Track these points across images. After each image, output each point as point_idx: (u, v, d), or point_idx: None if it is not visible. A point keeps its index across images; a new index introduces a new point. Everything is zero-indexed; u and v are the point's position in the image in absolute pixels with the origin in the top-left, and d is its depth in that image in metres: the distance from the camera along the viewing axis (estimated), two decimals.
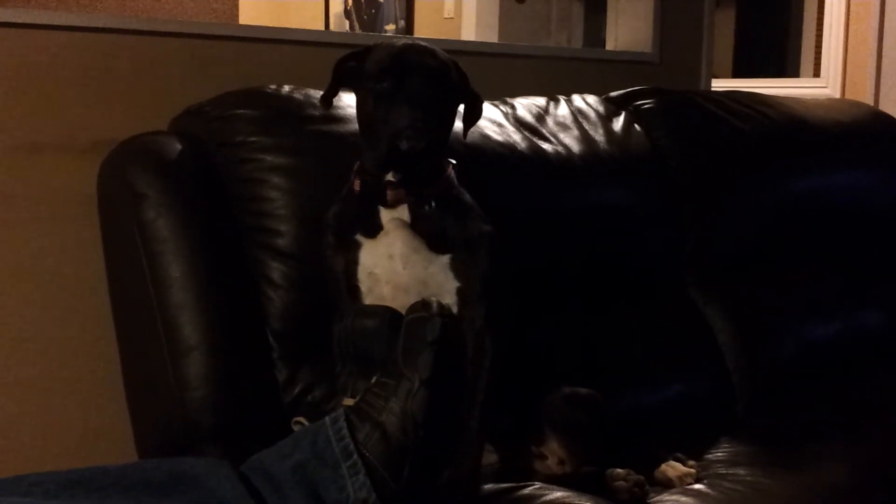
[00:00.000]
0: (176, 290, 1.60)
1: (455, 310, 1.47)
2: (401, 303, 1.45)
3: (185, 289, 1.60)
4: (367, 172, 1.51)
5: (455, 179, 1.56)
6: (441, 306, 1.39)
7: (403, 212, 1.49)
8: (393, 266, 1.48)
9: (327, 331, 1.53)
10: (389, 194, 1.49)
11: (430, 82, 1.45)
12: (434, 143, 1.46)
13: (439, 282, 1.48)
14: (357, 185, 1.52)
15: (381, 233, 1.49)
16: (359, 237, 1.50)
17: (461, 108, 1.60)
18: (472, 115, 1.62)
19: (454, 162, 1.57)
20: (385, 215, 1.50)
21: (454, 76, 1.51)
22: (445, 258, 1.49)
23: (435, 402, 1.32)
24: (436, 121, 1.46)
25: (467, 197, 1.55)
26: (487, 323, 1.48)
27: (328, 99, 1.58)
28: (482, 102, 1.62)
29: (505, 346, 1.49)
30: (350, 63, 1.54)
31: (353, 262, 1.50)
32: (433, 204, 1.50)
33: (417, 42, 1.52)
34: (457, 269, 1.48)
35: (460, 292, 1.48)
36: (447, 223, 1.50)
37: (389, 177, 1.48)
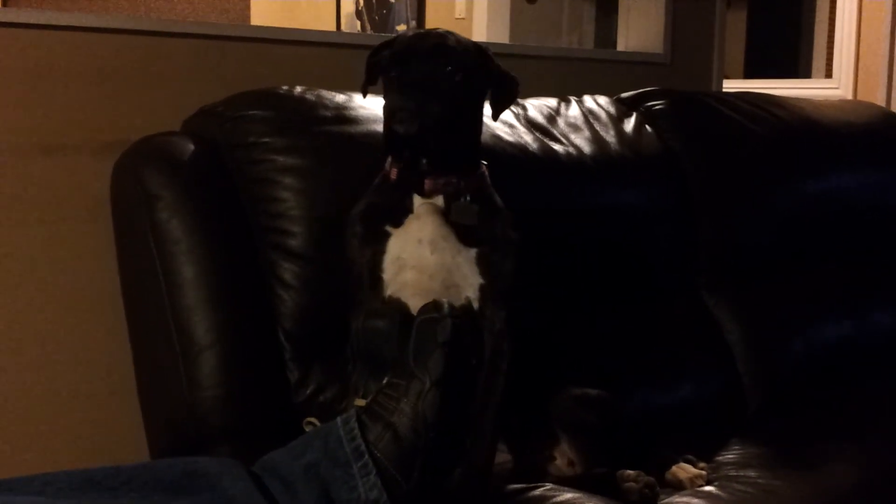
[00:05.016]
0: (188, 290, 1.61)
1: (476, 306, 1.48)
2: (424, 287, 1.45)
3: (198, 289, 1.61)
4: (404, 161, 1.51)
5: (489, 179, 1.56)
6: (452, 307, 1.40)
7: (438, 200, 1.50)
8: (421, 251, 1.47)
9: (343, 328, 1.53)
10: (427, 183, 1.49)
11: (430, 67, 1.45)
12: (436, 128, 1.43)
13: (464, 274, 1.48)
14: (394, 173, 1.52)
15: (412, 217, 1.49)
16: (388, 228, 1.50)
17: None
18: (501, 98, 1.59)
19: (486, 163, 1.58)
20: (418, 202, 1.50)
21: (469, 61, 1.49)
22: (473, 252, 1.49)
23: (446, 403, 1.32)
24: (435, 105, 1.43)
25: (499, 199, 1.56)
26: (506, 326, 1.48)
27: (364, 90, 1.61)
28: (516, 86, 1.59)
29: (520, 349, 1.50)
30: (379, 54, 1.54)
31: (380, 252, 1.49)
32: (468, 198, 1.51)
33: (436, 30, 1.52)
34: (482, 265, 1.49)
35: (483, 290, 1.48)
36: (478, 219, 1.50)
37: (425, 165, 1.48)
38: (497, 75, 1.56)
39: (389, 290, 1.49)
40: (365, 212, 1.53)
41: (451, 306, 1.39)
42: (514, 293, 1.51)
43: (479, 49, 1.54)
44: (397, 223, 1.50)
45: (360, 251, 1.51)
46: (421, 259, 1.47)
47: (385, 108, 1.45)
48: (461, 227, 1.49)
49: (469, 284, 1.49)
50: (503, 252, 1.50)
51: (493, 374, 1.46)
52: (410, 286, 1.47)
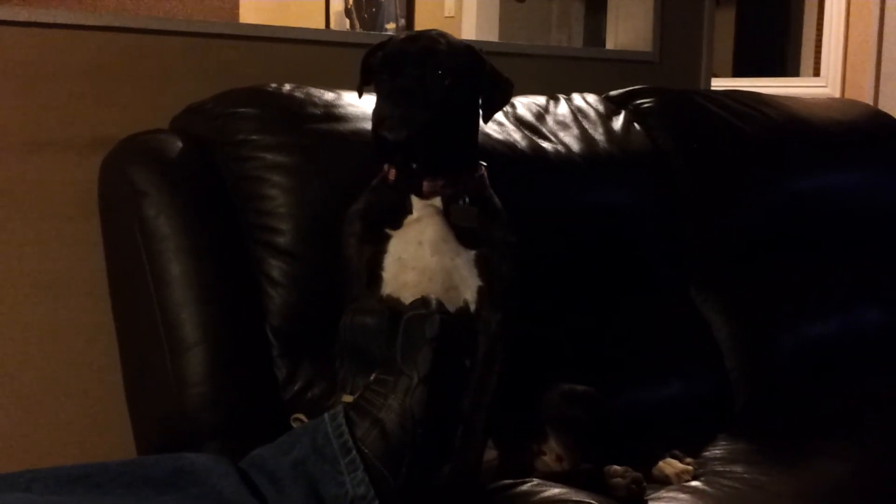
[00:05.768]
0: (176, 287, 1.61)
1: (473, 307, 1.48)
2: (424, 289, 1.45)
3: (186, 286, 1.61)
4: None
5: (487, 181, 1.56)
6: (440, 304, 1.40)
7: (436, 202, 1.50)
8: (421, 252, 1.48)
9: (332, 325, 1.52)
10: (425, 185, 1.49)
11: (419, 72, 1.44)
12: (424, 134, 1.42)
13: (463, 275, 1.49)
14: (392, 174, 1.52)
15: (412, 219, 1.49)
16: (388, 229, 1.50)
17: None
18: (492, 102, 1.57)
19: (486, 164, 1.58)
20: (417, 203, 1.50)
21: (461, 65, 1.48)
22: (472, 253, 1.49)
23: (433, 399, 1.33)
24: (424, 112, 1.42)
25: (498, 201, 1.56)
26: (502, 329, 1.48)
27: (359, 90, 1.61)
28: (510, 88, 1.58)
29: (513, 351, 1.50)
30: (374, 55, 1.53)
31: (380, 252, 1.49)
32: (466, 200, 1.51)
33: (428, 33, 1.51)
34: (481, 267, 1.49)
35: (481, 291, 1.49)
36: (478, 221, 1.50)
37: (416, 169, 1.48)
38: (490, 78, 1.55)
39: (388, 289, 1.49)
40: (364, 210, 1.53)
41: (440, 303, 1.40)
42: (513, 296, 1.51)
43: (471, 51, 1.53)
44: (397, 224, 1.50)
45: (358, 249, 1.51)
46: (421, 261, 1.48)
47: (373, 113, 1.44)
48: (461, 229, 1.50)
49: (468, 287, 1.49)
50: (502, 254, 1.50)
51: (486, 374, 1.47)
52: (411, 287, 1.47)
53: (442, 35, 1.51)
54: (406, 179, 1.50)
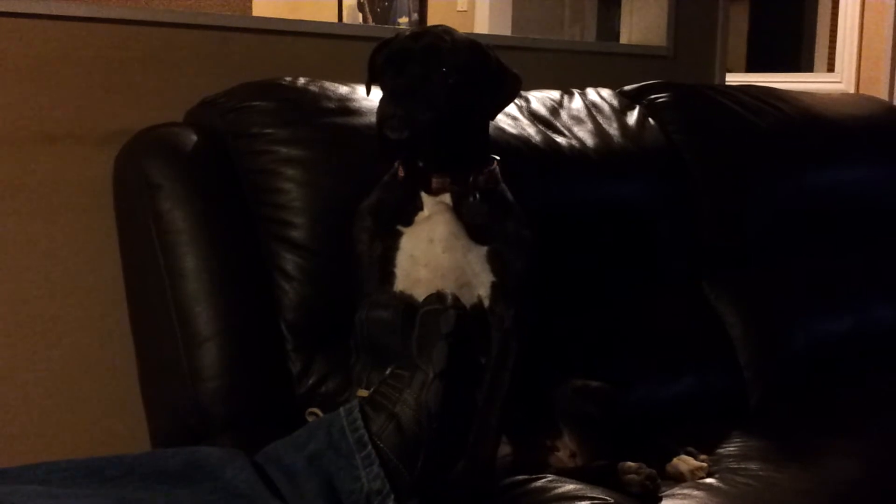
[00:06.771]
0: (190, 281, 1.61)
1: (486, 303, 1.47)
2: (437, 286, 1.45)
3: (200, 280, 1.61)
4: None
5: (500, 176, 1.55)
6: (456, 299, 1.40)
7: (446, 199, 1.50)
8: (433, 249, 1.47)
9: (346, 320, 1.52)
10: (434, 182, 1.49)
11: (423, 70, 1.43)
12: (428, 132, 1.41)
13: (475, 271, 1.48)
14: (401, 171, 1.52)
15: (423, 216, 1.49)
16: (399, 226, 1.50)
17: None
18: (498, 98, 1.56)
19: (498, 158, 1.57)
20: (428, 200, 1.50)
21: (465, 61, 1.47)
22: (484, 249, 1.49)
23: (449, 394, 1.33)
24: (427, 111, 1.41)
25: (510, 196, 1.55)
26: (515, 325, 1.48)
27: (368, 87, 1.61)
28: (517, 83, 1.56)
29: (528, 347, 1.50)
30: (380, 52, 1.52)
31: (392, 249, 1.49)
32: (477, 196, 1.50)
33: (433, 29, 1.50)
34: (493, 262, 1.48)
35: (494, 287, 1.48)
36: (489, 216, 1.50)
37: (423, 167, 1.47)
38: (496, 74, 1.53)
39: (401, 285, 1.49)
40: (375, 206, 1.53)
41: (455, 298, 1.40)
42: (528, 291, 1.50)
43: (476, 47, 1.51)
44: (408, 221, 1.50)
45: (369, 245, 1.51)
46: (433, 258, 1.47)
47: (377, 112, 1.43)
48: (472, 225, 1.49)
49: (481, 283, 1.48)
50: (515, 249, 1.50)
51: (500, 370, 1.46)
52: (423, 284, 1.47)
53: (447, 31, 1.50)
54: (414, 177, 1.50)
